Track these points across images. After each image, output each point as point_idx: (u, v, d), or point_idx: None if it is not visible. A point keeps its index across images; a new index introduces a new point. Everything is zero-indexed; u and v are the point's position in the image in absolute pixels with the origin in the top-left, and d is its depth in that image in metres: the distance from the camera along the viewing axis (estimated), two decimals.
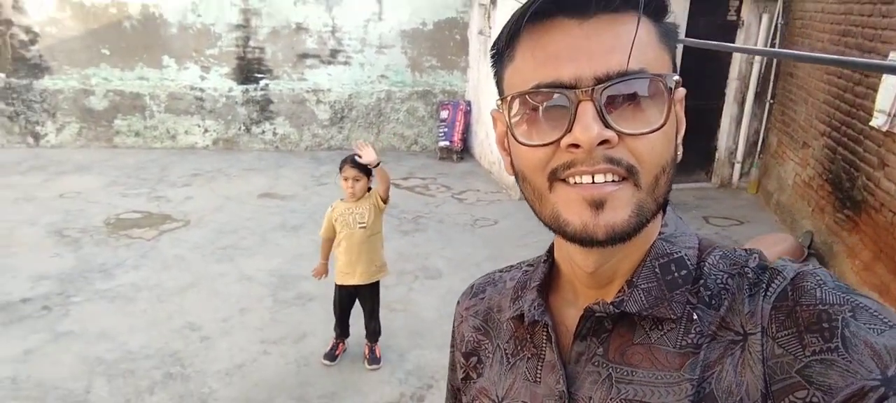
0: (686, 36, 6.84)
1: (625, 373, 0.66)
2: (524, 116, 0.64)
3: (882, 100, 4.49)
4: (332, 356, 3.81)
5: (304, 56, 8.41)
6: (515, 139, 0.65)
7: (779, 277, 0.63)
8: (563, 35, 0.61)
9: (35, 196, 6.48)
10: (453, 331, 0.91)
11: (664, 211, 0.72)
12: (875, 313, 0.57)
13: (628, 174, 0.61)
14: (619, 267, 0.69)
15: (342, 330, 3.85)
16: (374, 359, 3.80)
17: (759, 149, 7.52)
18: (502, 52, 0.68)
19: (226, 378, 3.64)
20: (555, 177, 0.63)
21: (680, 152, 0.68)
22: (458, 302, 0.91)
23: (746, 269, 0.66)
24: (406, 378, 3.72)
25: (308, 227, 5.91)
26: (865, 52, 4.96)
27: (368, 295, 3.76)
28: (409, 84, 8.77)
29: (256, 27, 8.20)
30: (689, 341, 0.64)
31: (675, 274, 0.68)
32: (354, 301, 3.81)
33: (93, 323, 4.18)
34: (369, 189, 3.65)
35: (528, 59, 0.63)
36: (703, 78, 7.31)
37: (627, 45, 0.60)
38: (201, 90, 8.29)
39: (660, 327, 0.66)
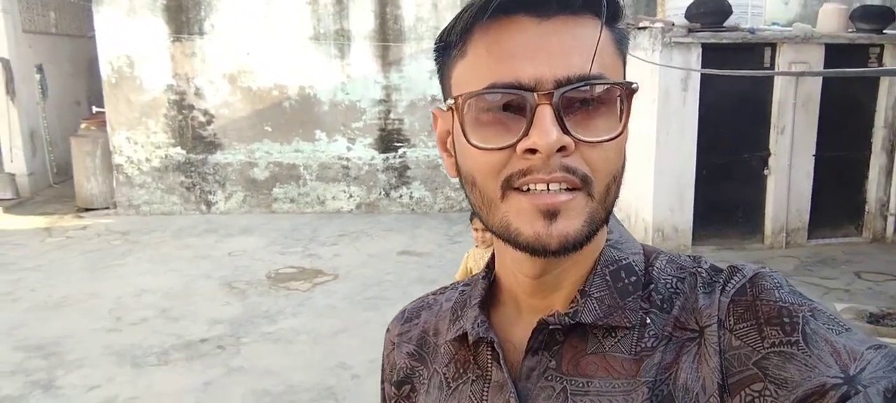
0: (823, 83, 6.67)
1: (580, 385, 0.63)
2: (477, 117, 0.60)
3: None
4: None
5: None
6: (467, 141, 0.60)
7: (738, 274, 0.62)
8: (522, 33, 0.58)
9: (209, 254, 7.40)
10: (383, 362, 0.84)
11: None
12: (832, 316, 0.57)
13: (582, 184, 0.59)
14: (565, 276, 0.67)
15: None
16: None
17: None
18: (450, 47, 0.64)
19: None
20: (508, 186, 0.60)
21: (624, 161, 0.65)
22: (388, 330, 0.85)
23: (699, 270, 0.66)
24: None
25: (443, 281, 6.20)
26: None
27: None
28: None
29: (396, 101, 8.96)
30: (644, 345, 0.63)
31: (626, 281, 0.66)
32: None
33: (259, 361, 4.74)
34: None
35: (483, 56, 0.60)
36: (844, 127, 7.01)
37: (586, 47, 0.58)
38: (347, 160, 9.12)
39: (613, 334, 0.64)
